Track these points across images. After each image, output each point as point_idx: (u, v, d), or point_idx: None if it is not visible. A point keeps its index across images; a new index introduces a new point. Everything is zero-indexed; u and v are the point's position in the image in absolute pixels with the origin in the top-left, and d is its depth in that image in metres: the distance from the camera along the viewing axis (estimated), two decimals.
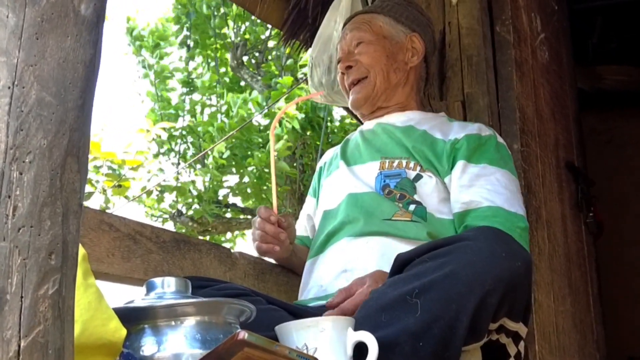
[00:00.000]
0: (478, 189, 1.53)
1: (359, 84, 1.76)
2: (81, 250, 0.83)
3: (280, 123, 6.21)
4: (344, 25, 1.89)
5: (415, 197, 1.57)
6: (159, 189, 6.90)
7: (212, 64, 7.59)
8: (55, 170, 0.73)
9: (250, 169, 6.61)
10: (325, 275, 1.56)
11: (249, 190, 6.96)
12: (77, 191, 0.75)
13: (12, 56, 0.75)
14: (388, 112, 1.78)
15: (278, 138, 6.00)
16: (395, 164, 1.63)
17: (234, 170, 6.90)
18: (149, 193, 6.82)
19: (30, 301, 0.70)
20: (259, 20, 6.88)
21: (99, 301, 0.86)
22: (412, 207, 1.56)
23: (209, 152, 6.44)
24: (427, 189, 1.58)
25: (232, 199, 7.41)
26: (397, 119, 1.75)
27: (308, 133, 6.57)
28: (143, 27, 7.75)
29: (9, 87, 0.74)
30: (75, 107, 0.75)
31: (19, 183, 0.72)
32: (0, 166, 0.73)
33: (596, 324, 2.63)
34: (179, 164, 7.29)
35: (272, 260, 1.79)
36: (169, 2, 7.58)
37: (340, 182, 1.69)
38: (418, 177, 1.60)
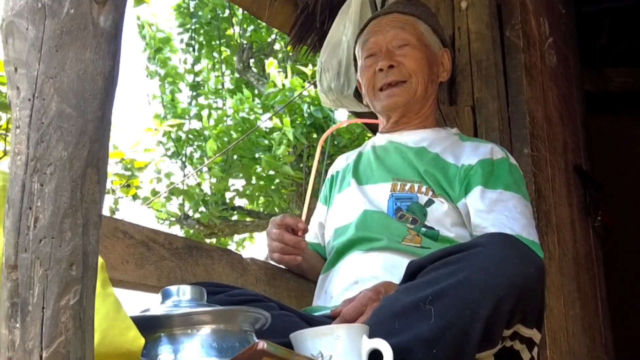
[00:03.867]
0: (497, 215, 1.54)
1: (398, 86, 1.72)
2: (99, 260, 0.83)
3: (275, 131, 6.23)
4: (374, 18, 1.83)
5: (427, 222, 1.58)
6: (166, 191, 6.92)
7: (218, 66, 7.62)
8: (75, 181, 0.74)
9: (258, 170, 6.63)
10: (337, 287, 1.56)
11: (256, 193, 6.97)
12: (97, 202, 0.76)
13: (32, 68, 0.75)
14: (407, 127, 1.77)
15: (279, 142, 6.01)
16: (407, 187, 1.63)
17: (241, 173, 6.92)
18: (157, 195, 6.84)
19: (51, 312, 0.70)
20: (264, 23, 6.90)
21: (118, 310, 0.86)
22: (423, 229, 1.57)
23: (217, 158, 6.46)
24: (439, 214, 1.58)
25: (237, 202, 7.44)
26: (410, 138, 1.74)
27: (314, 136, 6.58)
28: (145, 24, 7.77)
29: (30, 99, 0.75)
30: (95, 118, 0.76)
31: (40, 194, 0.73)
32: (21, 178, 0.73)
33: (604, 327, 2.63)
34: (185, 166, 7.31)
35: (282, 265, 1.80)
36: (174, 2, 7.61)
37: (352, 200, 1.69)
38: (430, 202, 1.59)
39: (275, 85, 6.60)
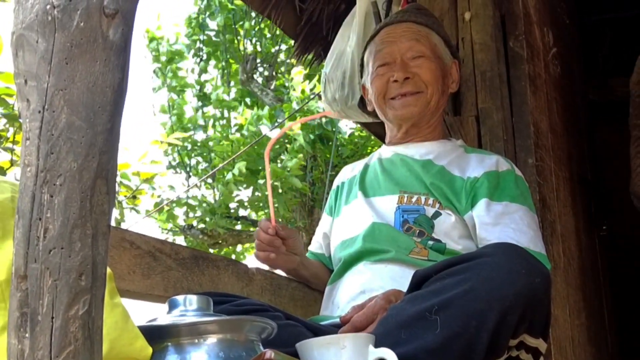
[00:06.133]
0: (503, 228, 1.54)
1: (413, 96, 1.71)
2: (107, 270, 0.84)
3: (290, 141, 6.26)
4: (386, 25, 1.81)
5: (434, 235, 1.58)
6: (169, 203, 6.94)
7: (225, 77, 7.67)
8: (85, 192, 0.74)
9: (261, 182, 6.65)
10: (343, 297, 1.57)
11: (261, 204, 6.99)
12: (106, 213, 0.76)
13: (42, 81, 0.76)
14: (415, 139, 1.77)
15: (294, 152, 6.04)
16: (414, 199, 1.63)
17: (245, 184, 6.93)
18: (161, 209, 6.86)
19: (61, 322, 0.71)
20: (268, 35, 6.94)
21: (126, 320, 0.87)
22: (430, 242, 1.57)
23: (222, 168, 6.48)
24: (446, 226, 1.58)
25: (242, 212, 7.45)
26: (417, 151, 1.74)
27: (318, 146, 6.59)
28: (159, 38, 7.82)
29: (40, 111, 0.76)
30: (104, 130, 0.77)
31: (49, 205, 0.73)
32: (31, 189, 0.74)
33: (611, 337, 2.62)
34: (189, 177, 7.33)
35: (284, 273, 1.80)
36: (185, 13, 7.70)
37: (359, 212, 1.69)
38: (437, 215, 1.60)
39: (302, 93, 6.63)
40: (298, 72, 6.87)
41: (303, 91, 6.64)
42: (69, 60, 0.76)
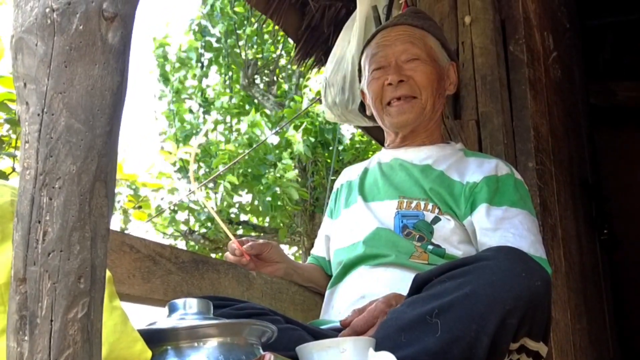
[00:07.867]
0: (503, 233, 1.53)
1: (408, 102, 1.70)
2: (107, 273, 0.84)
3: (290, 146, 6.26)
4: (382, 29, 1.81)
5: (433, 240, 1.57)
6: (172, 207, 6.95)
7: (227, 82, 7.69)
8: (84, 195, 0.74)
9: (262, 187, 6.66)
10: (344, 301, 1.57)
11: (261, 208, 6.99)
12: (105, 216, 0.76)
13: (41, 84, 0.76)
14: (413, 144, 1.76)
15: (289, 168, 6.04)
16: (413, 205, 1.63)
17: (246, 189, 6.94)
18: (162, 213, 6.86)
19: (60, 325, 0.71)
20: (270, 41, 6.96)
21: (125, 323, 0.87)
22: (430, 247, 1.57)
23: (222, 173, 6.48)
24: (446, 232, 1.57)
25: (243, 217, 7.45)
26: (416, 155, 1.74)
27: (319, 151, 6.59)
28: (168, 44, 7.85)
29: (39, 114, 0.76)
30: (103, 133, 0.77)
31: (48, 208, 0.73)
32: (30, 192, 0.74)
33: (612, 340, 2.62)
34: (190, 182, 7.34)
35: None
36: (190, 18, 7.72)
37: (360, 217, 1.68)
38: (436, 220, 1.59)
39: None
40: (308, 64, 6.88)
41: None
42: (68, 64, 0.77)
